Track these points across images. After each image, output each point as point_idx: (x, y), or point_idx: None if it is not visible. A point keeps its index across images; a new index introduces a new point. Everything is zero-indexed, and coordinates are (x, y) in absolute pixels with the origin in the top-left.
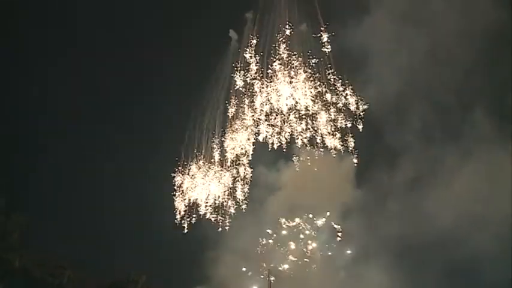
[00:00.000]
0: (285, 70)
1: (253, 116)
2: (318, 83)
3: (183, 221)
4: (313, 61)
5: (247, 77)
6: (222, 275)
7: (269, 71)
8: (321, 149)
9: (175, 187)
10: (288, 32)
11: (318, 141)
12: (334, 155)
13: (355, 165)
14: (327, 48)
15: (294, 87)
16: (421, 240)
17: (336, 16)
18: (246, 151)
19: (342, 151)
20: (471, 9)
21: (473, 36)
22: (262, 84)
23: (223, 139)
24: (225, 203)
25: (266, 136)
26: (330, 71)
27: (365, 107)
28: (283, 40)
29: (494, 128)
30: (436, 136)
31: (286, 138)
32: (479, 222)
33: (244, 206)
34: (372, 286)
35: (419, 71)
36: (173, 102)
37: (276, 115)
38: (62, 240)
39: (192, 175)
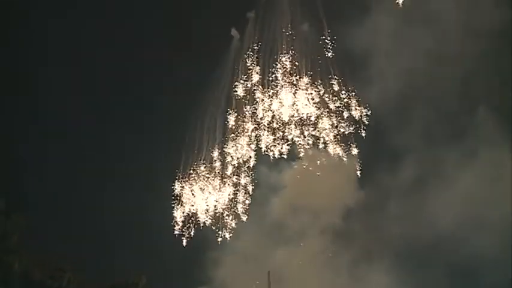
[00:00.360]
0: (286, 77)
1: (254, 124)
2: (321, 85)
3: (182, 233)
4: (315, 64)
5: (248, 82)
6: (224, 276)
7: (270, 74)
8: (323, 157)
9: (175, 197)
10: (289, 33)
11: (320, 147)
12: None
13: (359, 169)
14: (329, 51)
15: (296, 93)
16: (423, 242)
17: (339, 16)
18: (248, 157)
19: (345, 159)
20: (475, 8)
21: (476, 36)
22: (263, 91)
23: (224, 146)
24: (225, 215)
25: (267, 146)
26: (332, 72)
27: (368, 113)
28: (285, 42)
29: (497, 129)
30: (439, 137)
31: (287, 148)
32: (483, 224)
33: (245, 218)
34: (374, 287)
35: (422, 71)
36: (173, 103)
37: (278, 123)
38: (62, 242)
39: (191, 184)
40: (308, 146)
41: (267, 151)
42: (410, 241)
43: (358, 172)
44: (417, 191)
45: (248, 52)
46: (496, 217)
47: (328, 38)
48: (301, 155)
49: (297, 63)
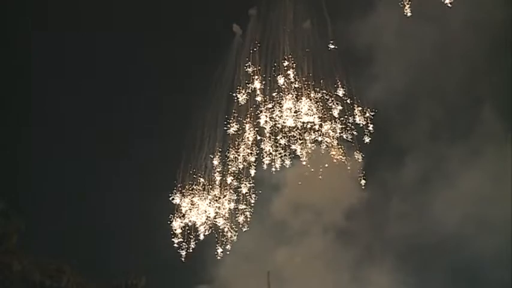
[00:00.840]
0: (289, 82)
1: (255, 130)
2: (324, 88)
3: (181, 247)
4: (318, 64)
5: (250, 86)
6: (224, 275)
7: (272, 77)
8: (326, 162)
9: (173, 207)
10: (291, 30)
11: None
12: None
13: (362, 174)
14: (332, 49)
15: (298, 98)
16: (427, 241)
17: (343, 12)
18: (248, 164)
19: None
20: (481, 5)
21: (482, 34)
22: (264, 97)
23: (226, 151)
24: (225, 227)
25: (268, 153)
26: (335, 72)
27: (373, 116)
28: (287, 42)
29: (502, 128)
30: (443, 136)
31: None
32: (487, 223)
33: (244, 229)
34: (376, 287)
35: (427, 69)
36: (173, 103)
37: (280, 131)
38: (62, 242)
39: (191, 195)
40: (310, 151)
41: (268, 164)
42: (413, 240)
43: (362, 179)
44: (421, 190)
45: (250, 51)
46: (500, 216)
47: (332, 35)
48: (304, 162)
49: (300, 64)
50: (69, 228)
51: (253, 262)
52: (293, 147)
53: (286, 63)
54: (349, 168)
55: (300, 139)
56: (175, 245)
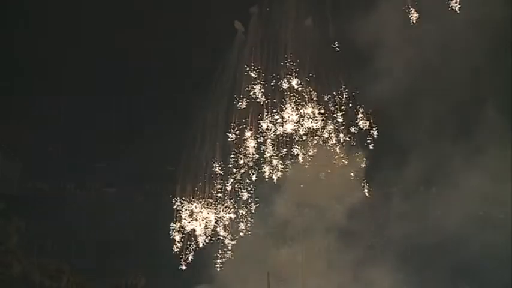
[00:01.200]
0: (291, 87)
1: (256, 134)
2: (326, 90)
3: (180, 256)
4: (320, 65)
5: (250, 91)
6: (224, 275)
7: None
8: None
9: (174, 211)
10: (293, 28)
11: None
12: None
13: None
14: (334, 47)
15: (300, 104)
16: (429, 241)
17: (344, 9)
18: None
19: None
20: (484, 3)
21: (486, 32)
22: (266, 102)
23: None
24: (225, 235)
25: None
26: (338, 72)
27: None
28: (289, 42)
29: (505, 127)
30: (446, 134)
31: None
32: (489, 223)
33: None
34: (377, 287)
35: (429, 67)
36: (172, 104)
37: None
38: (61, 243)
39: (190, 198)
40: (312, 153)
41: (269, 173)
42: (415, 240)
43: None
44: (423, 189)
45: (252, 48)
46: (503, 216)
47: (334, 33)
48: (306, 165)
49: (302, 63)
50: (69, 228)
51: (254, 262)
52: (295, 150)
53: (288, 65)
54: (352, 174)
55: (301, 142)
56: (175, 250)
